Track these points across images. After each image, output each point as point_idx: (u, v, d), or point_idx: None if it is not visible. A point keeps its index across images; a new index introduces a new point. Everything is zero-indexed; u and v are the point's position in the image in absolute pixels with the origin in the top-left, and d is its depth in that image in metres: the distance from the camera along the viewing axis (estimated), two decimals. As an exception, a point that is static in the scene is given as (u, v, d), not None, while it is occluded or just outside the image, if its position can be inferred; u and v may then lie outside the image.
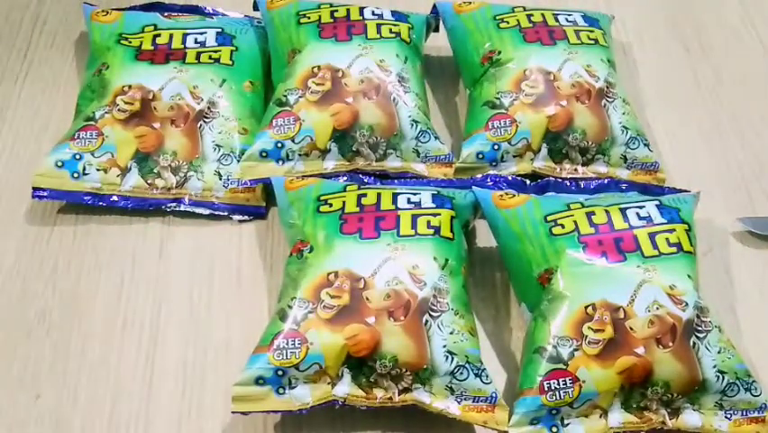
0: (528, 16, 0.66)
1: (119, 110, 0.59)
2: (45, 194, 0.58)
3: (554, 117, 0.61)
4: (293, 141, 0.59)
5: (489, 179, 0.60)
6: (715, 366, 0.50)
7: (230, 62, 0.63)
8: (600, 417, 0.50)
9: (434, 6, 0.69)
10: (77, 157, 0.58)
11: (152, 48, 0.63)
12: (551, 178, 0.60)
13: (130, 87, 0.60)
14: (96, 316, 0.54)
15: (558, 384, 0.49)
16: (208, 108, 0.61)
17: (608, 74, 0.64)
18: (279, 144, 0.59)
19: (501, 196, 0.56)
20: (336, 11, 0.65)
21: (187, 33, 0.64)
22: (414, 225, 0.53)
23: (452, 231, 0.54)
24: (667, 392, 0.50)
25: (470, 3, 0.67)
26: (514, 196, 0.56)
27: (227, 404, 0.47)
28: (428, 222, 0.53)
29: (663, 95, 0.72)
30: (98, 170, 0.58)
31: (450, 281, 0.51)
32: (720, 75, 0.73)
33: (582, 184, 0.60)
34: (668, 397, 0.50)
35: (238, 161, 0.60)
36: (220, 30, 0.65)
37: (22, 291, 0.55)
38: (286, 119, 0.59)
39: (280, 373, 0.48)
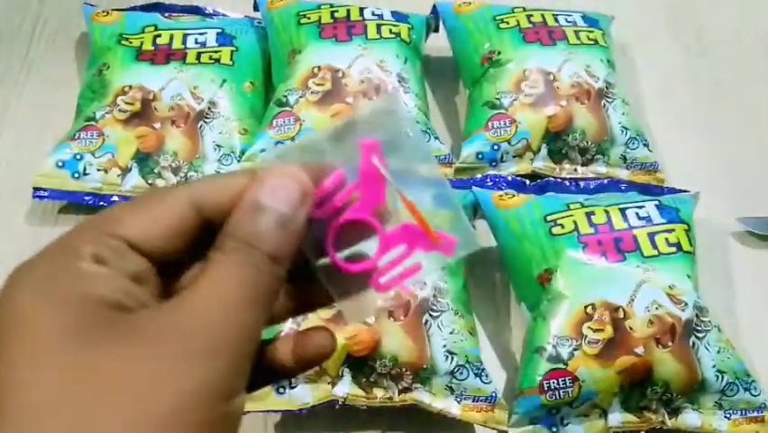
0: (528, 17, 0.66)
1: (119, 110, 0.60)
2: (45, 194, 0.58)
3: (554, 118, 0.61)
4: (293, 141, 0.59)
5: (488, 180, 0.60)
6: (714, 366, 0.50)
7: (230, 63, 0.63)
8: (600, 416, 0.50)
9: (434, 7, 0.69)
10: (78, 157, 0.58)
11: (153, 48, 0.63)
12: (550, 178, 0.60)
13: (130, 87, 0.60)
14: (97, 316, 0.54)
15: (558, 384, 0.49)
16: (209, 108, 0.61)
17: (608, 74, 0.64)
18: (280, 145, 0.59)
19: (501, 196, 0.56)
20: (336, 11, 0.65)
21: (187, 34, 0.64)
22: (414, 226, 0.53)
23: (451, 231, 0.54)
24: (666, 392, 0.50)
25: (469, 3, 0.67)
26: (513, 196, 0.56)
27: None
28: (428, 222, 0.53)
29: (663, 95, 0.72)
30: (99, 170, 0.58)
31: (450, 281, 0.51)
32: (720, 75, 0.73)
33: (582, 184, 0.60)
34: (667, 397, 0.50)
35: (238, 161, 0.60)
36: (220, 30, 0.65)
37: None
38: (286, 119, 0.59)
39: (280, 372, 0.48)
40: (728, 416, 0.51)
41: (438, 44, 0.69)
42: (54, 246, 0.20)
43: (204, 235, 0.22)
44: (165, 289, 0.22)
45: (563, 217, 0.54)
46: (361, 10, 0.65)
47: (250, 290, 0.20)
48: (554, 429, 0.50)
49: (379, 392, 0.49)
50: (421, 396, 0.49)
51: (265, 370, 0.24)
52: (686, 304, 0.51)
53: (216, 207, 0.21)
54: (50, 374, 0.17)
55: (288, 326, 0.49)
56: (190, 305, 0.19)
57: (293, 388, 0.48)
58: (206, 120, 0.60)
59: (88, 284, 0.19)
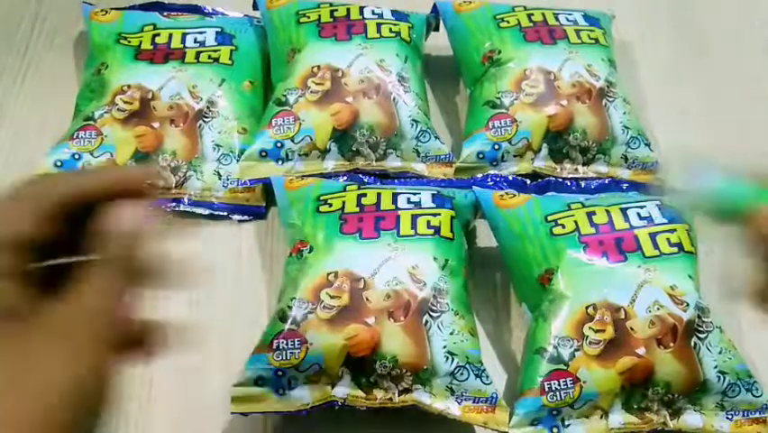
0: (529, 16, 0.66)
1: (118, 110, 0.59)
2: (44, 194, 0.57)
3: (555, 117, 0.61)
4: (293, 140, 0.59)
5: (489, 179, 0.59)
6: (716, 367, 0.50)
7: (229, 62, 0.63)
8: (601, 417, 0.50)
9: (435, 5, 0.69)
10: (77, 157, 0.58)
11: (152, 47, 0.63)
12: (551, 178, 0.60)
13: (129, 86, 0.60)
14: (96, 316, 0.54)
15: (559, 385, 0.48)
16: (208, 108, 0.61)
17: (609, 73, 0.64)
18: (279, 144, 0.59)
19: (502, 196, 0.56)
20: (336, 10, 0.64)
21: (186, 33, 0.64)
22: (414, 225, 0.53)
23: (452, 231, 0.53)
24: (668, 393, 0.50)
25: (470, 2, 0.67)
26: (514, 196, 0.56)
27: (227, 405, 0.47)
28: (428, 222, 0.53)
29: (664, 94, 0.71)
30: (97, 169, 0.58)
31: (450, 282, 0.51)
32: (721, 74, 0.73)
33: (583, 184, 0.60)
34: (669, 397, 0.50)
35: (238, 160, 0.60)
36: (219, 29, 0.65)
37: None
38: (285, 119, 0.59)
39: (280, 373, 0.47)
40: (730, 417, 0.51)
41: (438, 43, 0.69)
42: None
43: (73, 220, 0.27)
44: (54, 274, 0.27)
45: (564, 217, 0.54)
46: (361, 9, 0.65)
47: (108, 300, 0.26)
48: (555, 430, 0.49)
49: (379, 393, 0.49)
50: (421, 397, 0.49)
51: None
52: (687, 304, 0.51)
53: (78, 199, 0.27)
54: None
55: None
56: (49, 320, 0.24)
57: (293, 388, 0.48)
58: (205, 119, 0.60)
59: None
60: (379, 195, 0.55)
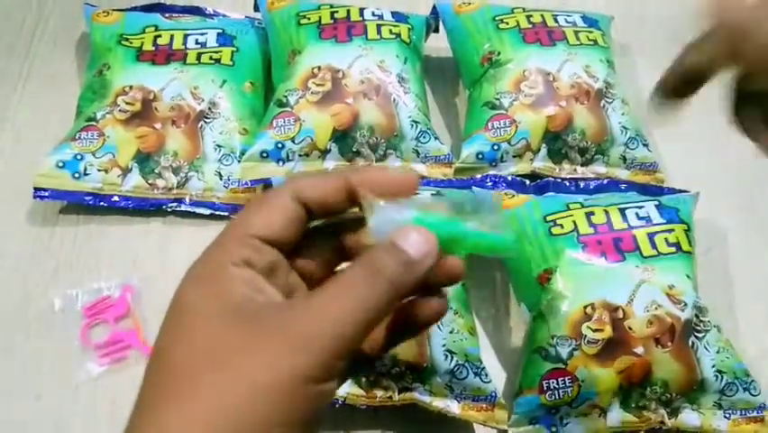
0: (528, 17, 0.66)
1: (120, 110, 0.60)
2: (46, 194, 0.58)
3: (554, 118, 0.61)
4: (293, 141, 0.59)
5: (488, 180, 0.60)
6: (714, 366, 0.50)
7: (230, 63, 0.63)
8: (599, 416, 0.50)
9: (434, 7, 0.69)
10: (79, 157, 0.58)
11: (153, 48, 0.63)
12: (550, 178, 0.60)
13: (131, 87, 0.61)
14: (98, 315, 0.54)
15: (557, 384, 0.49)
16: (209, 109, 0.61)
17: (608, 74, 0.64)
18: (280, 145, 0.59)
19: (501, 194, 0.56)
20: (336, 12, 0.65)
21: (187, 34, 0.65)
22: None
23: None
24: (666, 392, 0.50)
25: (469, 3, 0.67)
26: (513, 196, 0.56)
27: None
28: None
29: (663, 95, 0.72)
30: (99, 170, 0.58)
31: (449, 281, 0.52)
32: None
33: (582, 184, 0.60)
34: (667, 396, 0.50)
35: (239, 161, 0.60)
36: (221, 31, 0.66)
37: (23, 291, 0.55)
38: (286, 120, 0.60)
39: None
40: (728, 416, 0.51)
41: (438, 44, 0.70)
42: (212, 248, 0.27)
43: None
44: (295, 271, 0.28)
45: (563, 217, 0.54)
46: (361, 10, 0.65)
47: (362, 308, 0.24)
48: (554, 429, 0.50)
49: (379, 392, 0.49)
50: (421, 395, 0.49)
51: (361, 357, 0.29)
52: (685, 304, 0.51)
53: (314, 200, 0.27)
54: (199, 346, 0.24)
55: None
56: (307, 306, 0.24)
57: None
58: (207, 120, 0.61)
59: (234, 283, 0.25)
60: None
